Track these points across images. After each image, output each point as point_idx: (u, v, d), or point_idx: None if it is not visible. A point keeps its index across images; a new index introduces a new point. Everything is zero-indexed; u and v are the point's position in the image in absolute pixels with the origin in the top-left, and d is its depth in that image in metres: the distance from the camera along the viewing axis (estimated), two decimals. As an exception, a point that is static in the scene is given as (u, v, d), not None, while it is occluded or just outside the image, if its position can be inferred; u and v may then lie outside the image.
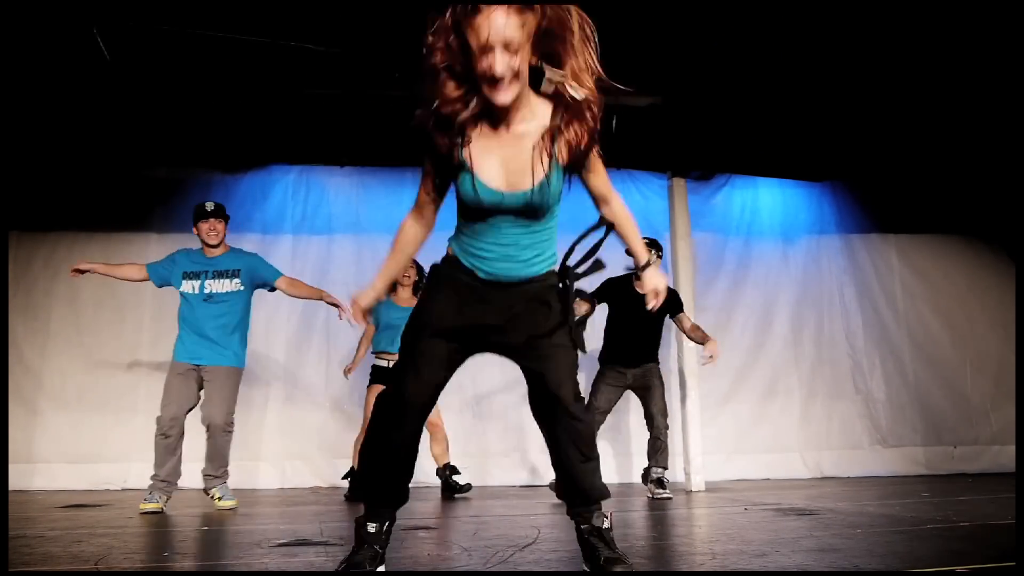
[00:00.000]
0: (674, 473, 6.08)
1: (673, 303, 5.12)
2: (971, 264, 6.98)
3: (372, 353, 5.16)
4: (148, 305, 6.09)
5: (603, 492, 2.07)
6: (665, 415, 5.02)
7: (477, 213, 1.96)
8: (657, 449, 4.96)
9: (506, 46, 1.76)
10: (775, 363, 6.58)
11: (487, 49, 1.75)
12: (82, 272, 4.28)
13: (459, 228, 2.06)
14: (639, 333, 5.00)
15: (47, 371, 5.93)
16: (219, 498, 4.29)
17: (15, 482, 5.43)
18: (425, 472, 6.02)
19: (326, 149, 6.09)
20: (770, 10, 4.40)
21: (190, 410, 4.26)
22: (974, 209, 6.82)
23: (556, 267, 2.11)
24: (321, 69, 4.89)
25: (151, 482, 4.13)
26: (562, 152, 1.92)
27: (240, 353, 4.39)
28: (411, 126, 1.93)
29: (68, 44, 4.50)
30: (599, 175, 2.08)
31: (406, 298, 5.03)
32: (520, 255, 2.01)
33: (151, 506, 4.00)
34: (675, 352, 5.93)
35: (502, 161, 1.92)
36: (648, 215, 6.64)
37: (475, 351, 2.11)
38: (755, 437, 6.39)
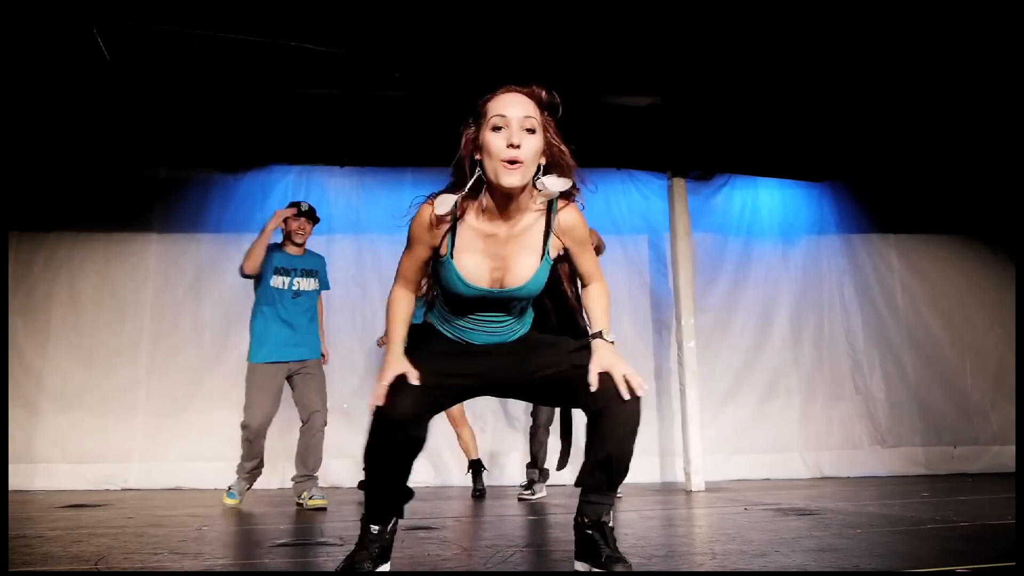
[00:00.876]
0: (674, 473, 6.10)
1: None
2: (971, 264, 6.98)
3: None
4: (148, 305, 6.10)
5: (621, 481, 2.06)
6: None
7: (458, 301, 2.00)
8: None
9: (525, 126, 1.85)
10: (775, 363, 6.58)
11: (507, 125, 1.84)
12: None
13: (440, 305, 2.07)
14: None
15: (47, 371, 5.93)
16: (311, 498, 4.27)
17: (15, 482, 5.43)
18: (426, 472, 6.04)
19: (326, 149, 6.09)
20: (770, 10, 4.40)
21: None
22: (974, 209, 6.82)
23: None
24: (321, 69, 4.89)
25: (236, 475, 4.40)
26: (551, 251, 2.00)
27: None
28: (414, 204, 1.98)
29: (68, 44, 4.49)
30: (587, 261, 2.11)
31: None
32: (506, 330, 2.05)
33: (234, 501, 4.30)
34: (675, 352, 5.94)
35: (488, 258, 1.95)
36: (648, 215, 6.65)
37: (484, 392, 2.13)
38: (755, 437, 6.39)
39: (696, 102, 5.53)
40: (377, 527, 2.00)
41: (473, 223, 1.95)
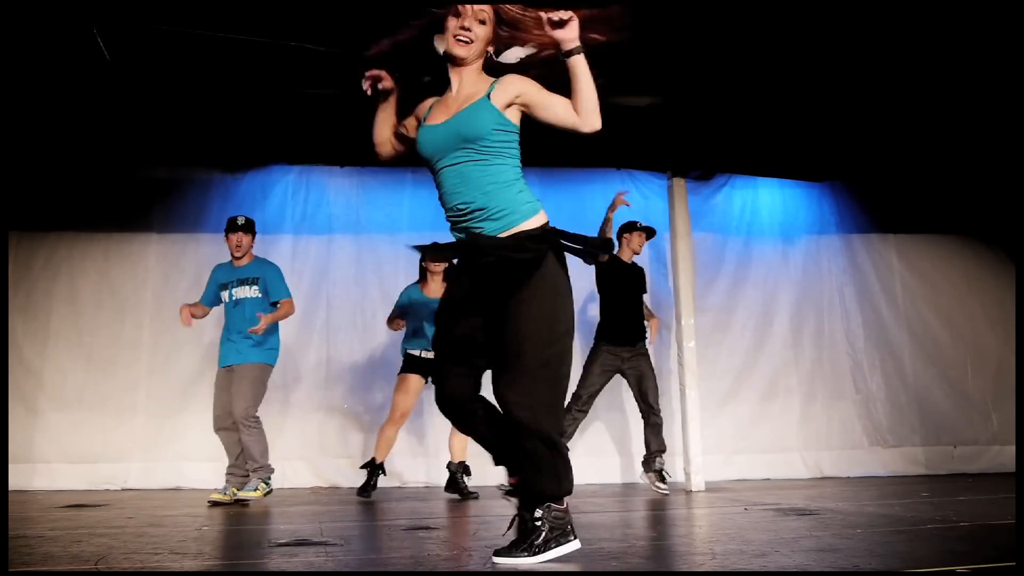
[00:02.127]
0: (674, 473, 6.09)
1: (644, 279, 5.65)
2: (971, 264, 6.98)
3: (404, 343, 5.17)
4: (148, 305, 6.09)
5: None
6: (657, 395, 5.30)
7: (428, 163, 2.29)
8: (657, 431, 5.18)
9: (477, 17, 2.26)
10: (775, 363, 6.58)
11: (461, 13, 2.24)
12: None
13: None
14: (631, 310, 5.38)
15: (47, 371, 5.92)
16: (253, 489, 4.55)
17: (15, 482, 5.43)
18: (425, 472, 6.04)
19: (326, 149, 6.08)
20: (770, 10, 4.39)
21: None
22: (974, 209, 6.82)
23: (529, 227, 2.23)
24: (321, 69, 4.89)
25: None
26: (494, 97, 2.24)
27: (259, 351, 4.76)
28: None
29: (68, 44, 4.49)
30: (552, 106, 2.24)
31: (435, 289, 5.02)
32: (477, 198, 2.19)
33: (223, 496, 4.46)
34: (675, 352, 5.94)
35: (443, 113, 2.31)
36: (648, 215, 6.63)
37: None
38: (755, 437, 6.39)
39: (696, 102, 5.53)
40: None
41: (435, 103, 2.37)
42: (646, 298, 5.73)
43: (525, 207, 2.23)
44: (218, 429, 4.68)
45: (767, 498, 4.49)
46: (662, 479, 5.08)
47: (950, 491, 4.76)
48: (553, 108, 2.21)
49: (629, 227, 5.60)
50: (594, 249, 2.33)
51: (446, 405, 2.30)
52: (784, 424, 6.47)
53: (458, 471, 5.09)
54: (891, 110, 5.52)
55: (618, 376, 5.39)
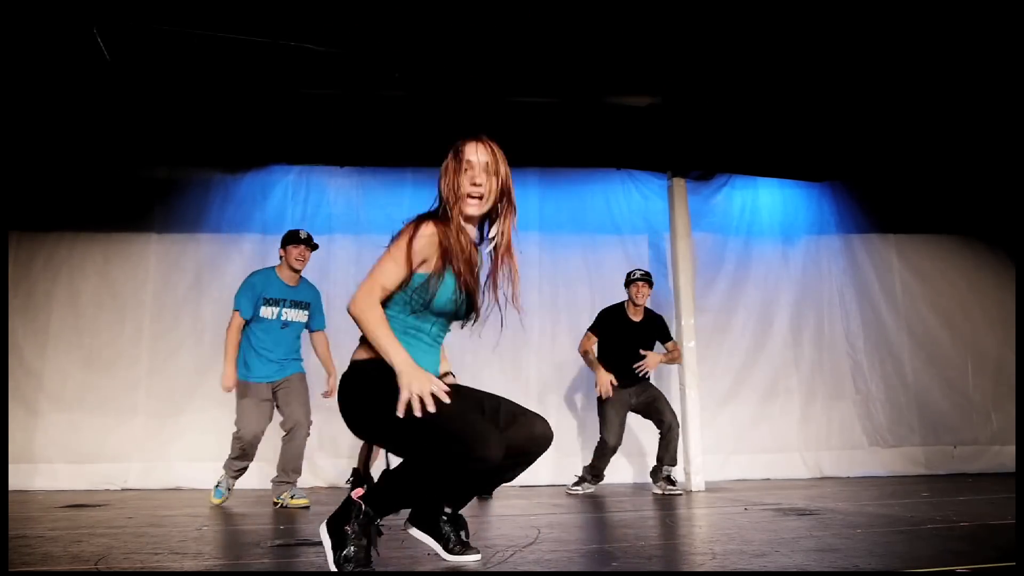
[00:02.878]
0: (675, 473, 6.09)
1: (665, 331, 5.48)
2: (971, 264, 6.98)
3: None
4: (148, 305, 6.09)
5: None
6: (675, 415, 5.31)
7: (433, 316, 2.18)
8: (669, 447, 5.21)
9: (486, 170, 2.16)
10: (775, 363, 6.58)
11: (472, 166, 2.15)
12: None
13: (406, 319, 2.17)
14: (633, 359, 5.27)
15: (47, 371, 5.92)
16: (291, 497, 4.40)
17: (15, 482, 5.43)
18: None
19: (326, 149, 6.09)
20: (769, 10, 4.39)
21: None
22: (974, 209, 6.82)
23: None
24: (321, 69, 4.89)
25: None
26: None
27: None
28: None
29: (68, 44, 4.49)
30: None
31: None
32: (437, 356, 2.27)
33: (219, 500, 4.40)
34: (675, 352, 5.93)
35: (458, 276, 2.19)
36: (648, 215, 6.65)
37: None
38: (755, 437, 6.39)
39: (696, 102, 5.53)
40: (380, 519, 2.09)
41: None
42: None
43: None
44: (255, 442, 4.43)
45: (767, 498, 4.49)
46: (672, 483, 5.14)
47: (950, 491, 4.76)
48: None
49: (627, 279, 5.48)
50: None
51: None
52: (784, 424, 6.47)
53: None
54: (891, 110, 5.52)
55: (652, 376, 5.46)
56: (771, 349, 6.60)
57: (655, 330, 5.44)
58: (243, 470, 4.58)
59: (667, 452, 5.21)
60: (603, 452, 5.21)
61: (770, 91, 5.33)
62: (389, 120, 5.56)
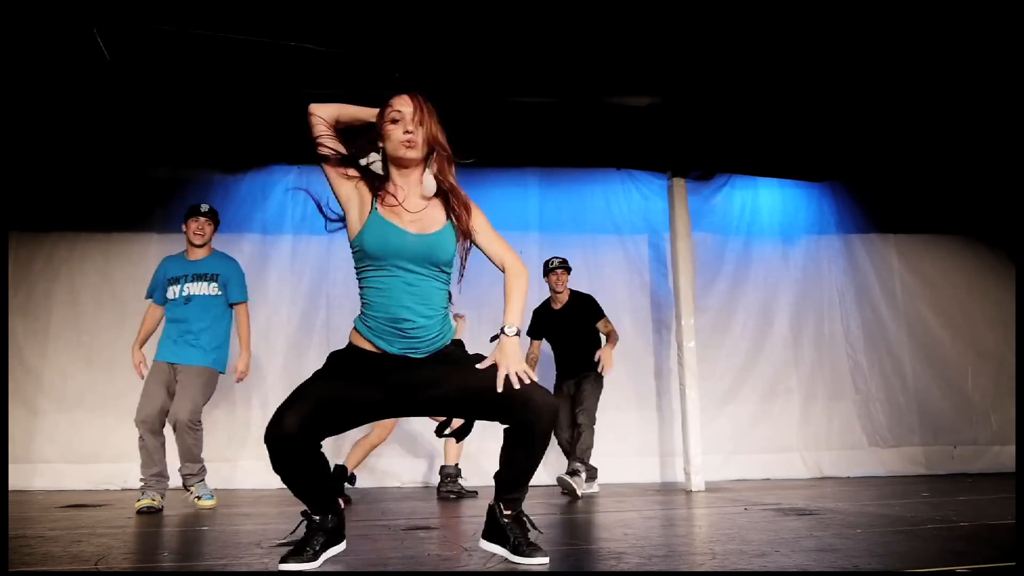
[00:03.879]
0: (674, 473, 6.10)
1: (593, 311, 5.37)
2: (971, 264, 6.99)
3: None
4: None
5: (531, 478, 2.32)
6: (591, 412, 5.12)
7: (378, 259, 2.23)
8: (575, 447, 5.05)
9: (413, 119, 2.24)
10: (775, 363, 6.58)
11: (403, 118, 2.23)
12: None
13: (368, 295, 2.26)
14: (569, 348, 5.29)
15: (47, 371, 5.93)
16: (197, 498, 4.32)
17: (15, 482, 5.43)
18: (424, 474, 6.04)
19: (326, 149, 6.08)
20: (769, 10, 4.39)
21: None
22: (974, 209, 6.82)
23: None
24: (321, 69, 4.89)
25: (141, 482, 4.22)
26: (455, 217, 2.27)
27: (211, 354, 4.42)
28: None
29: (68, 44, 4.49)
30: (491, 239, 2.34)
31: None
32: (422, 331, 2.19)
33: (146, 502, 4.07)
34: (675, 352, 5.94)
35: (405, 213, 2.24)
36: (648, 215, 6.65)
37: (404, 411, 2.31)
38: (755, 437, 6.39)
39: (696, 102, 5.53)
40: (318, 517, 2.22)
41: (387, 193, 2.28)
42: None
43: (450, 333, 2.32)
44: (145, 429, 4.25)
45: (767, 498, 4.49)
46: (573, 474, 4.91)
47: (950, 491, 4.76)
48: (493, 246, 2.33)
49: (545, 269, 5.48)
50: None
51: None
52: (784, 424, 6.47)
53: (453, 473, 5.10)
54: (891, 110, 5.52)
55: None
56: (771, 349, 6.61)
57: (582, 312, 5.35)
58: (159, 475, 4.22)
59: (576, 448, 5.03)
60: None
61: (770, 91, 5.33)
62: (389, 120, 5.56)
